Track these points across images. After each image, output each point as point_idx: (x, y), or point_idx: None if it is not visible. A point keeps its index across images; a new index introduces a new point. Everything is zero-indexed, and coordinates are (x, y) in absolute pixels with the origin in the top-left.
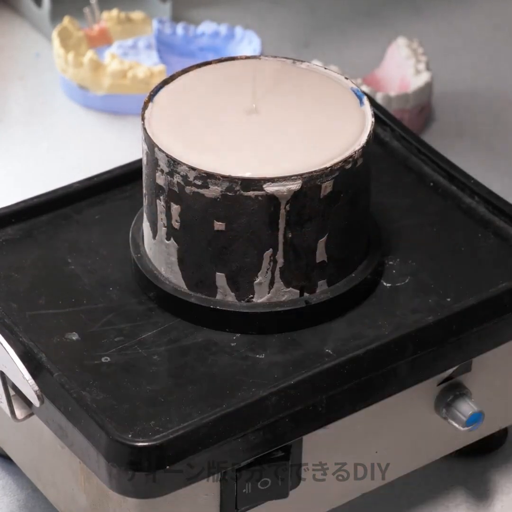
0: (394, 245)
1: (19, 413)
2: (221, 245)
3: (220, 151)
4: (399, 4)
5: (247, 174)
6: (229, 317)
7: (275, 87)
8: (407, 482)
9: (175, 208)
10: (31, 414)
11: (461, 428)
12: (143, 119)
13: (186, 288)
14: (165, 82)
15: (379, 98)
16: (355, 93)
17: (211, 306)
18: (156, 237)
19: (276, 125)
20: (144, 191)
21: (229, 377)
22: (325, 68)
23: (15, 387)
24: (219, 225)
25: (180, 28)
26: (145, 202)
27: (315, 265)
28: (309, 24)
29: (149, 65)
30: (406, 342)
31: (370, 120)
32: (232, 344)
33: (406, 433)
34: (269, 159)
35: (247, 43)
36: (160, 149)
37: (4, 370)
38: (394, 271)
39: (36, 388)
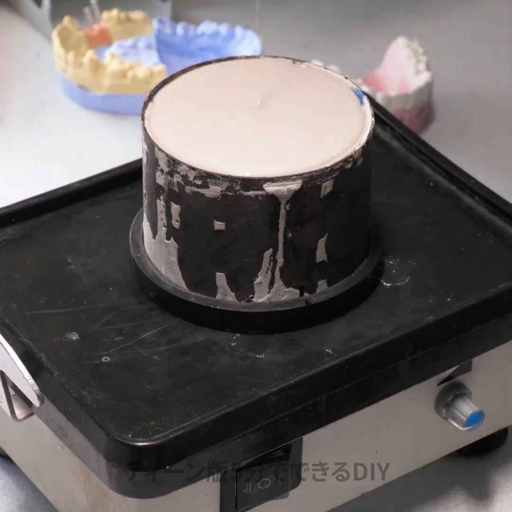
0: (394, 245)
1: (19, 413)
2: (221, 245)
3: (220, 151)
4: (399, 4)
5: (247, 173)
6: (229, 317)
7: (275, 87)
8: (407, 482)
9: (175, 208)
10: (31, 414)
11: (461, 428)
12: (143, 119)
13: (186, 288)
14: (165, 82)
15: (379, 98)
16: (355, 93)
17: (211, 306)
18: (156, 237)
19: (276, 124)
20: (144, 191)
21: (229, 377)
22: (325, 68)
23: (15, 387)
24: (219, 225)
25: (180, 28)
26: (145, 202)
27: (315, 265)
28: (309, 24)
29: (149, 65)
30: (406, 342)
31: (370, 120)
32: (232, 344)
33: (406, 433)
34: (269, 158)
35: (247, 43)
36: (160, 149)
37: (4, 370)
38: (394, 271)
39: (36, 388)
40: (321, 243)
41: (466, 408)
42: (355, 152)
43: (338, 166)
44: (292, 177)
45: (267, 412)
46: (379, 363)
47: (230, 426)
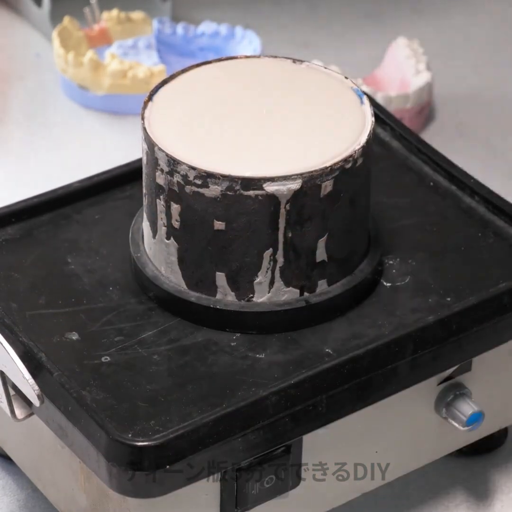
0: (394, 245)
1: (19, 413)
2: (221, 245)
3: (220, 151)
4: (399, 4)
5: (247, 173)
6: (229, 317)
7: (275, 87)
8: (407, 482)
9: (175, 208)
10: (31, 414)
11: (461, 428)
12: (143, 118)
13: (186, 288)
14: (165, 82)
15: (379, 98)
16: (355, 93)
17: (211, 306)
18: (156, 237)
19: (276, 124)
20: (144, 190)
21: (229, 377)
22: (325, 68)
23: (15, 387)
24: (219, 225)
25: (180, 28)
26: (145, 201)
27: (315, 264)
28: (309, 24)
29: (149, 65)
30: (406, 342)
31: (370, 119)
32: (232, 344)
33: (406, 433)
34: (269, 158)
35: (247, 43)
36: (160, 149)
37: (4, 370)
38: (394, 271)
39: (36, 388)
40: (321, 243)
41: (466, 408)
42: (355, 152)
43: (338, 166)
44: (292, 177)
45: (267, 412)
46: (379, 363)
47: (230, 426)
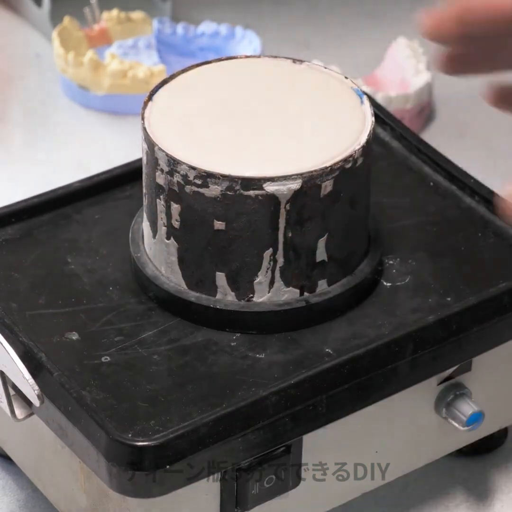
0: (394, 245)
1: (19, 412)
2: (221, 245)
3: (220, 151)
4: (399, 4)
5: (247, 173)
6: (229, 317)
7: (275, 86)
8: (407, 482)
9: (175, 208)
10: (31, 414)
11: (461, 428)
12: (143, 118)
13: (186, 288)
14: (165, 82)
15: (379, 98)
16: (356, 93)
17: (211, 306)
18: (156, 237)
19: (276, 124)
20: (144, 190)
21: (229, 377)
22: (326, 68)
23: (15, 387)
24: (219, 225)
25: (180, 28)
26: (145, 201)
27: (315, 264)
28: (309, 24)
29: (149, 65)
30: (406, 342)
31: (370, 119)
32: (232, 344)
33: (406, 433)
34: (269, 158)
35: (247, 43)
36: (160, 149)
37: (4, 370)
38: (394, 271)
39: (36, 388)
40: (321, 243)
41: (466, 408)
42: (355, 151)
43: (338, 165)
44: (292, 177)
45: (267, 412)
46: (379, 363)
47: (230, 426)
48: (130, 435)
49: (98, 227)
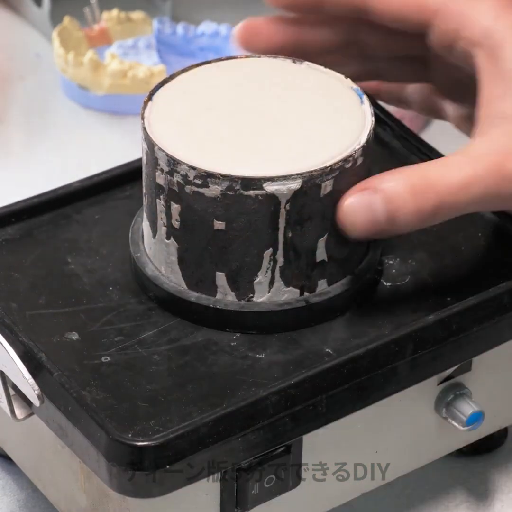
0: (394, 245)
1: (19, 412)
2: (221, 245)
3: (220, 150)
4: None
5: (247, 173)
6: (229, 317)
7: (275, 86)
8: (407, 482)
9: (175, 208)
10: (31, 414)
11: (461, 428)
12: (143, 118)
13: (186, 288)
14: (165, 82)
15: None
16: (356, 93)
17: (211, 306)
18: (156, 237)
19: (276, 124)
20: (144, 190)
21: (229, 377)
22: (326, 68)
23: (15, 387)
24: (219, 225)
25: (180, 28)
26: (145, 201)
27: (315, 264)
28: None
29: (149, 65)
30: (406, 342)
31: (370, 119)
32: (232, 344)
33: (406, 433)
34: (269, 158)
35: None
36: (160, 148)
37: (4, 370)
38: (394, 271)
39: (36, 388)
40: (321, 243)
41: (466, 408)
42: (355, 151)
43: (338, 165)
44: (292, 177)
45: (267, 412)
46: (379, 363)
47: (230, 426)
48: (130, 435)
49: (98, 227)
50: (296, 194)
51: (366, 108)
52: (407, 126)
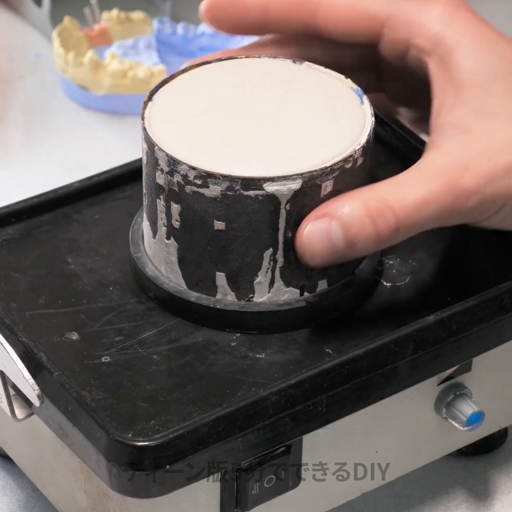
0: (394, 245)
1: (19, 412)
2: (221, 245)
3: (220, 151)
4: None
5: (247, 173)
6: (229, 317)
7: (275, 86)
8: (407, 482)
9: (175, 208)
10: (31, 414)
11: (461, 428)
12: (143, 118)
13: (186, 288)
14: (165, 82)
15: None
16: (356, 93)
17: (211, 306)
18: (156, 237)
19: (276, 124)
20: (144, 190)
21: (229, 377)
22: (326, 68)
23: (15, 387)
24: (219, 225)
25: (180, 28)
26: (145, 201)
27: None
28: None
29: (149, 65)
30: (406, 342)
31: (370, 119)
32: (232, 344)
33: (406, 433)
34: (269, 158)
35: (247, 43)
36: (160, 149)
37: (4, 370)
38: (394, 271)
39: (36, 388)
40: None
41: (466, 408)
42: (355, 151)
43: (338, 165)
44: (292, 177)
45: (267, 412)
46: (379, 363)
47: (230, 426)
48: (130, 435)
49: (98, 227)
50: (296, 194)
51: (366, 108)
52: (407, 126)
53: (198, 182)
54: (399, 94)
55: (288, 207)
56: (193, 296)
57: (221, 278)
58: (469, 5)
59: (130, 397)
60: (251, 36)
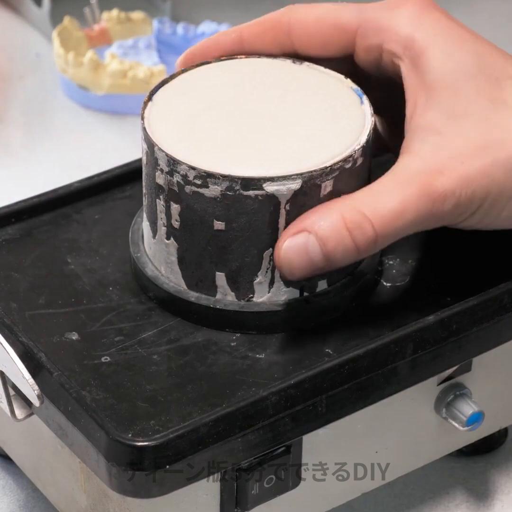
0: (394, 245)
1: (19, 413)
2: (221, 245)
3: (220, 150)
4: None
5: (247, 173)
6: (229, 317)
7: (275, 86)
8: (407, 482)
9: (175, 208)
10: (31, 414)
11: (461, 428)
12: (142, 118)
13: (186, 288)
14: (165, 82)
15: None
16: (355, 93)
17: (211, 306)
18: (156, 237)
19: (276, 124)
20: (144, 190)
21: (229, 377)
22: (325, 68)
23: (15, 387)
24: (219, 225)
25: (180, 28)
26: (145, 201)
27: None
28: None
29: (149, 65)
30: (406, 342)
31: (370, 119)
32: (232, 344)
33: (406, 433)
34: (269, 158)
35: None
36: (159, 149)
37: (4, 370)
38: (394, 271)
39: (36, 388)
40: None
41: (466, 408)
42: (355, 151)
43: (338, 165)
44: (292, 177)
45: (267, 412)
46: (379, 363)
47: (230, 426)
48: (130, 435)
49: (98, 227)
50: (296, 194)
51: (366, 108)
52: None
53: (198, 182)
54: (381, 106)
55: (288, 207)
56: (193, 296)
57: (221, 278)
58: (437, 4)
59: (130, 397)
60: None
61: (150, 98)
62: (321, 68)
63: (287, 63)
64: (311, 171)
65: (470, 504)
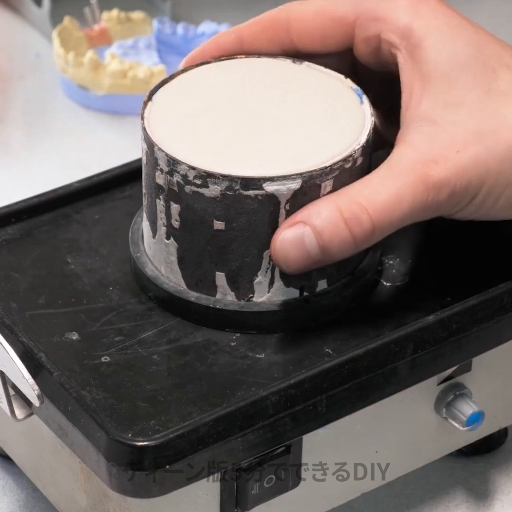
0: (394, 245)
1: (19, 413)
2: (220, 245)
3: (219, 150)
4: None
5: (247, 173)
6: (229, 317)
7: (275, 86)
8: (407, 482)
9: (174, 208)
10: (31, 414)
11: (461, 428)
12: (142, 118)
13: (186, 288)
14: (165, 82)
15: None
16: (355, 92)
17: (211, 306)
18: (156, 237)
19: (276, 124)
20: (144, 190)
21: (229, 377)
22: (325, 68)
23: (15, 387)
24: (218, 225)
25: (180, 28)
26: (145, 201)
27: None
28: None
29: (149, 65)
30: (406, 342)
31: (370, 119)
32: (232, 344)
33: (406, 433)
34: (269, 158)
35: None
36: (159, 149)
37: (4, 370)
38: (394, 271)
39: (36, 388)
40: None
41: (466, 408)
42: (355, 151)
43: (338, 165)
44: (292, 177)
45: (267, 412)
46: (379, 363)
47: (230, 426)
48: (130, 435)
49: (98, 227)
50: (296, 194)
51: (366, 108)
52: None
53: (198, 182)
54: (381, 99)
55: (287, 207)
56: (193, 296)
57: (220, 278)
58: None
59: (130, 397)
60: None
61: (150, 98)
62: (321, 68)
63: (287, 63)
64: (311, 171)
65: (470, 504)
